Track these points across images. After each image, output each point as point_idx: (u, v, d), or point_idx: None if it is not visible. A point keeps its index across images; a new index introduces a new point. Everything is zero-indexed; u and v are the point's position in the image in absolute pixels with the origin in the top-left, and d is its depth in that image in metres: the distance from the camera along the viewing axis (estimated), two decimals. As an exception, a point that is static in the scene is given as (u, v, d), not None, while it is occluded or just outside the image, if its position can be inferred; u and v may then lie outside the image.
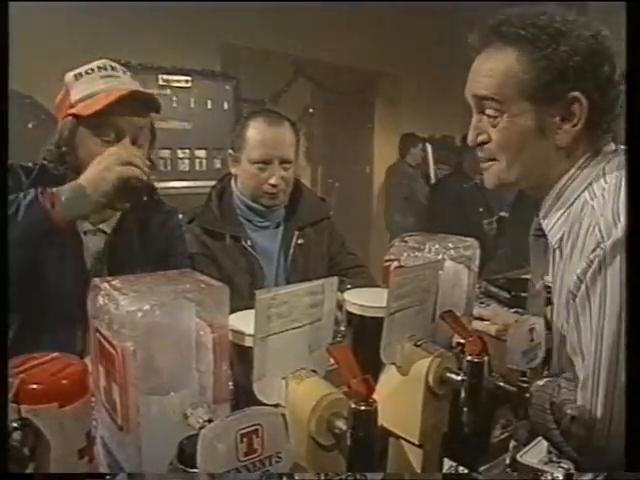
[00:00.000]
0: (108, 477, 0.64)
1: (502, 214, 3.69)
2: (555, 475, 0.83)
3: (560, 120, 0.92)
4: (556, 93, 0.90)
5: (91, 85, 1.23)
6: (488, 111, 0.95)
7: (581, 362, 0.86)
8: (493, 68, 0.94)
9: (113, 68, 1.27)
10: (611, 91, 0.91)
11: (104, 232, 1.33)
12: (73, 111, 1.22)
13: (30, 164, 1.28)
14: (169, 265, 1.35)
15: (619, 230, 0.81)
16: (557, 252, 0.97)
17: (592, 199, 0.90)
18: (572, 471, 0.84)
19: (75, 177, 1.22)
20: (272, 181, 1.64)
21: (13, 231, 1.04)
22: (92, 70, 1.24)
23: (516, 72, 0.91)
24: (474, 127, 0.99)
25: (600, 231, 0.84)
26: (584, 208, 0.90)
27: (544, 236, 1.00)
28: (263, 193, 1.67)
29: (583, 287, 0.85)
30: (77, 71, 1.26)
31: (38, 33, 2.93)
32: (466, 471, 0.78)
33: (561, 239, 0.95)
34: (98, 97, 1.21)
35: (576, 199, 0.93)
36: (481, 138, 0.98)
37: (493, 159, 0.98)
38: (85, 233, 1.30)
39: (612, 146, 0.95)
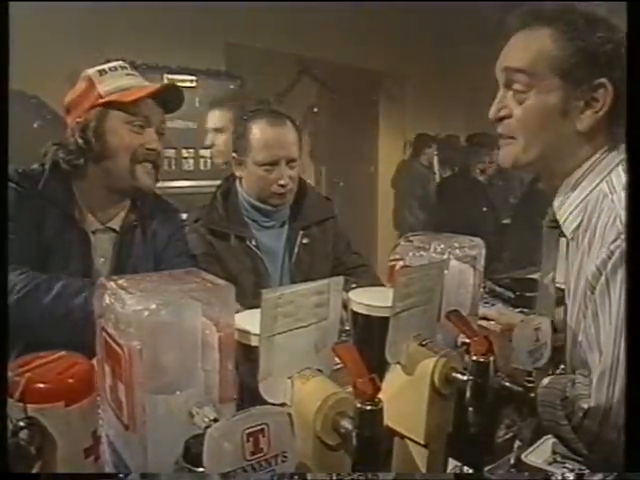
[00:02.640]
0: (120, 475, 0.64)
1: (505, 221, 3.70)
2: (566, 475, 0.82)
3: (584, 105, 0.93)
4: (585, 75, 0.92)
5: (119, 80, 1.31)
6: (516, 86, 0.97)
7: (598, 357, 0.85)
8: (529, 43, 0.96)
9: (133, 68, 1.37)
10: None
11: (114, 230, 1.34)
12: (106, 100, 1.27)
13: (36, 166, 1.28)
14: (170, 265, 1.36)
15: None
16: (572, 244, 0.97)
17: (611, 192, 0.90)
18: (583, 471, 0.84)
19: (94, 168, 1.27)
20: (282, 182, 1.64)
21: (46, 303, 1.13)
22: (115, 68, 1.33)
23: (550, 49, 0.93)
24: (498, 101, 1.00)
25: (621, 222, 0.84)
26: (603, 201, 0.90)
27: (558, 227, 1.01)
28: (272, 194, 1.66)
29: (603, 278, 0.85)
30: (99, 68, 1.32)
31: (40, 33, 2.94)
32: (471, 471, 0.78)
33: (577, 229, 0.95)
34: (132, 90, 1.29)
35: (593, 190, 0.94)
36: (503, 112, 0.99)
37: (511, 137, 0.99)
38: (94, 232, 1.31)
39: None
